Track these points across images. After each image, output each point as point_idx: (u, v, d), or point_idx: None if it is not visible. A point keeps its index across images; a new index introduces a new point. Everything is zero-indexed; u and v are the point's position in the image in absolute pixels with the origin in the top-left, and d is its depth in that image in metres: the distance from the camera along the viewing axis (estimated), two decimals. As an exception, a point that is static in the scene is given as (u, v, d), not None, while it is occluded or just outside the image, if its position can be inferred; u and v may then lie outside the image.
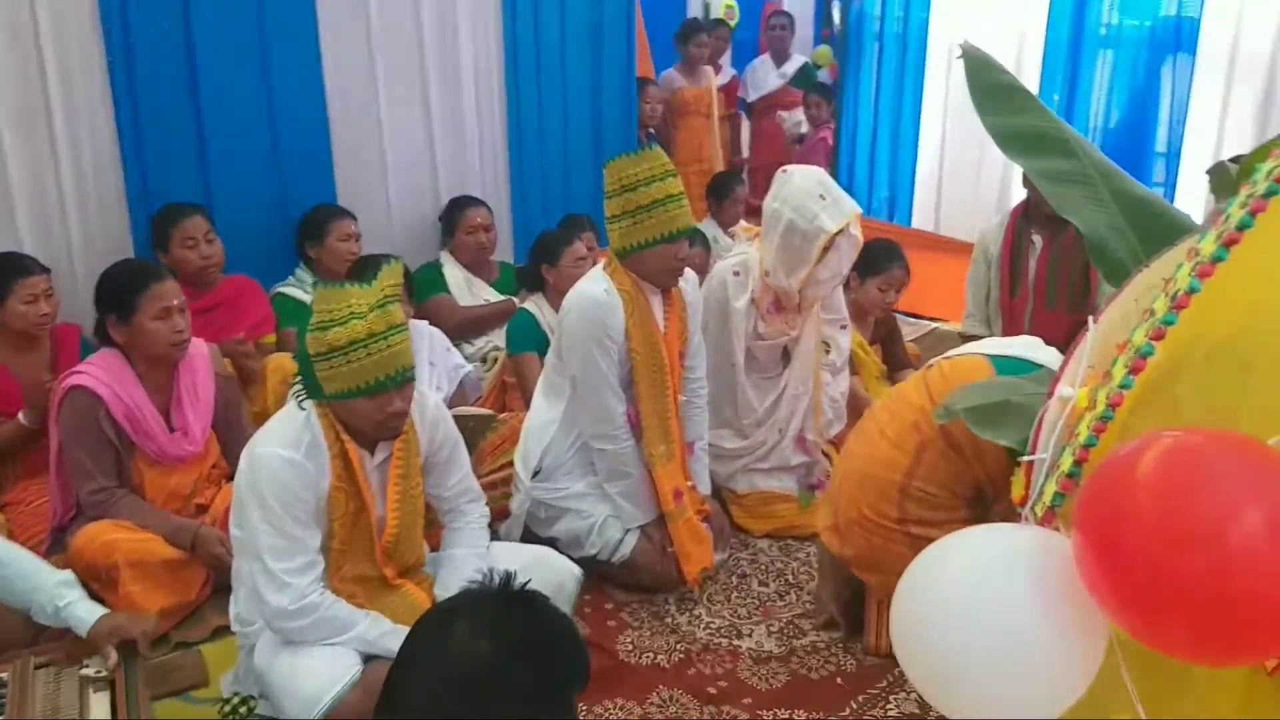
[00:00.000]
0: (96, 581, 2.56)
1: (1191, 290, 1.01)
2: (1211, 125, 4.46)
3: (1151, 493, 0.90)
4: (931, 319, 5.29)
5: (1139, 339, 1.05)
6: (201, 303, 3.33)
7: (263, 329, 3.59)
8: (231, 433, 3.00)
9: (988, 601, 1.02)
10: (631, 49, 4.92)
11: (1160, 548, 0.89)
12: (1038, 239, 3.52)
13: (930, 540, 2.32)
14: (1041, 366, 2.02)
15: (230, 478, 3.01)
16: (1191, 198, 4.66)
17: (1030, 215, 3.51)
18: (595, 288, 2.78)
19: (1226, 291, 1.00)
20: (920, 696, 2.29)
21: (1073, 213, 1.59)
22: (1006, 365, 2.17)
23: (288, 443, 2.17)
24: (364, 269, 2.96)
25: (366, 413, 2.17)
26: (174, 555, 2.68)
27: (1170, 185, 4.69)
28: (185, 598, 2.69)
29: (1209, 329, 1.01)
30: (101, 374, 2.72)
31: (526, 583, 1.26)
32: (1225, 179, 2.26)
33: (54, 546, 2.77)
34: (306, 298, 3.70)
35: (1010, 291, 3.55)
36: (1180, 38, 4.59)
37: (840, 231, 3.00)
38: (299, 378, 2.26)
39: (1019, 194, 5.23)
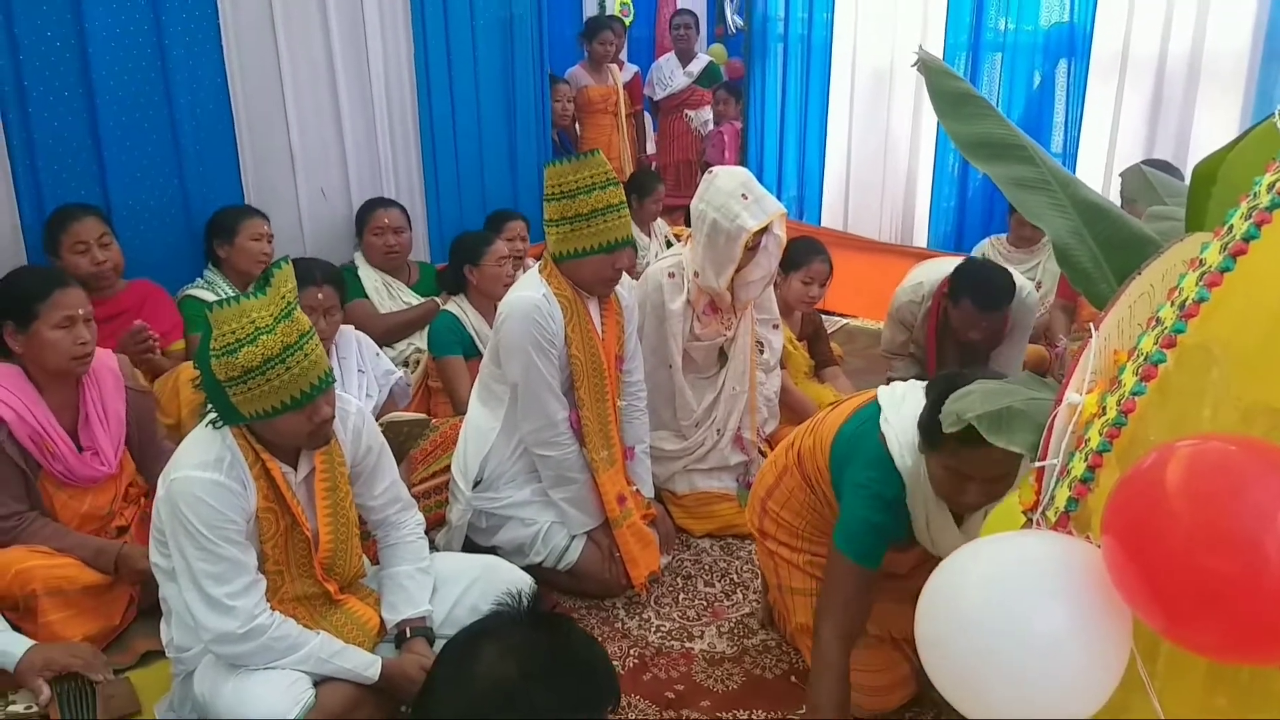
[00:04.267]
0: (13, 612, 2.39)
1: (1200, 299, 1.05)
2: (1105, 127, 4.66)
3: (1185, 498, 0.93)
4: (842, 315, 5.43)
5: (1148, 347, 1.09)
6: (101, 312, 3.11)
7: (171, 337, 3.42)
8: (146, 449, 2.85)
9: (1014, 608, 1.04)
10: (543, 45, 4.88)
11: (1195, 551, 0.92)
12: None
13: (784, 561, 2.42)
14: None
15: (149, 495, 2.87)
16: (1086, 196, 4.88)
17: (949, 323, 3.57)
18: (533, 293, 2.74)
19: (1235, 300, 1.04)
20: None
21: (1038, 219, 1.64)
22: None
23: (208, 465, 2.05)
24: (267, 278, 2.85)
25: (296, 426, 2.08)
26: (95, 580, 2.53)
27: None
28: (109, 623, 2.55)
29: (1218, 336, 1.05)
30: (1, 392, 2.54)
31: (554, 606, 1.23)
32: (1138, 182, 2.37)
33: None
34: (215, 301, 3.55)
35: (936, 366, 3.64)
36: (1074, 43, 4.79)
37: (764, 230, 3.03)
38: (207, 406, 2.14)
39: (924, 194, 5.42)
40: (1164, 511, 0.94)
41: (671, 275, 3.18)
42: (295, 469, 2.19)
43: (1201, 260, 1.08)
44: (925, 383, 2.15)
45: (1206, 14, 4.33)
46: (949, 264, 3.66)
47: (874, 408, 2.24)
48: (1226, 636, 0.93)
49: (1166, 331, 1.07)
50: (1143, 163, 3.02)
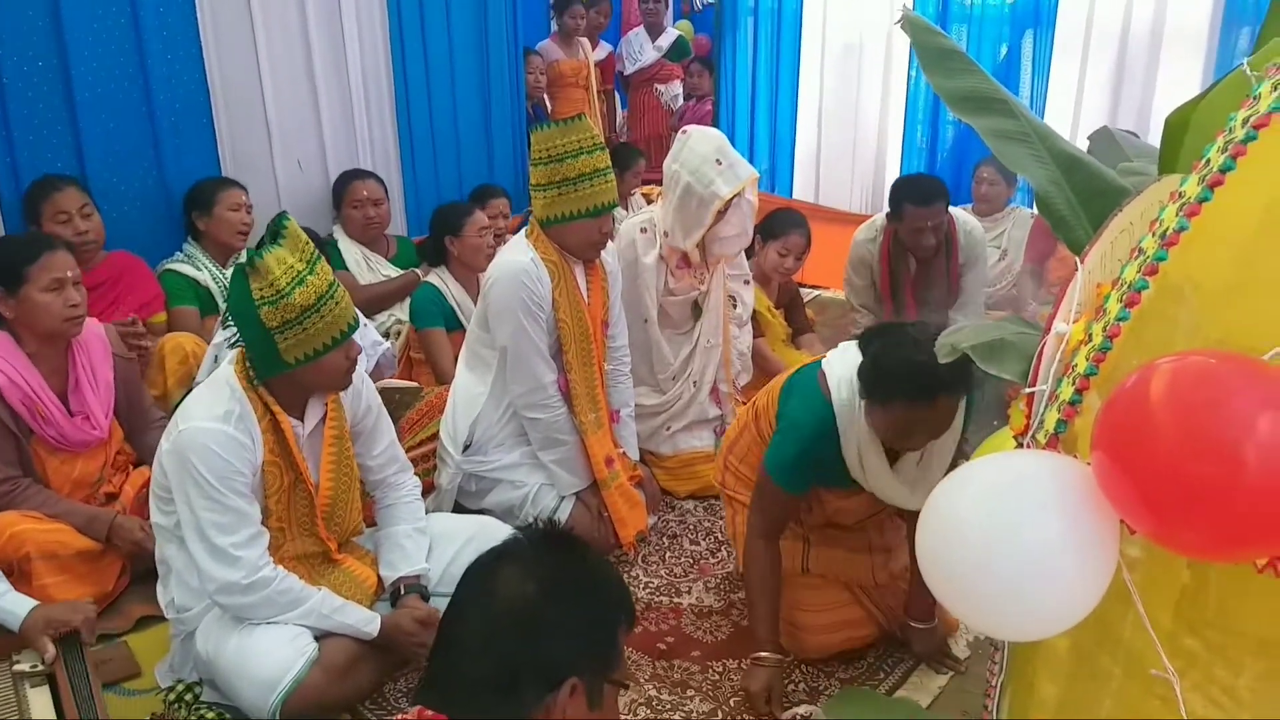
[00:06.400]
0: (8, 576, 2.40)
1: (1180, 229, 1.12)
2: (1070, 97, 4.76)
3: (1169, 409, 1.00)
4: (813, 286, 5.50)
5: (1131, 275, 1.15)
6: (82, 282, 3.14)
7: (152, 308, 3.43)
8: (135, 416, 2.87)
9: (1010, 520, 1.10)
10: (515, 18, 4.89)
11: (1181, 459, 0.98)
12: (912, 261, 3.77)
13: (742, 507, 2.53)
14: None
15: (136, 464, 2.89)
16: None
17: (900, 241, 3.74)
18: (521, 257, 2.77)
19: (1213, 228, 1.10)
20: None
21: (1021, 169, 1.70)
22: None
23: (216, 417, 2.11)
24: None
25: (336, 364, 2.16)
26: (88, 546, 2.55)
27: (1034, 154, 5.00)
28: (103, 589, 2.57)
29: (1198, 263, 1.11)
30: None
31: (571, 528, 1.29)
32: (1106, 143, 2.44)
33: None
34: (197, 274, 3.56)
35: (894, 309, 3.82)
36: (1039, 14, 4.88)
37: (736, 195, 3.10)
38: (247, 362, 2.17)
39: (893, 166, 5.50)
40: (1150, 423, 1.01)
41: (644, 230, 3.23)
42: (303, 422, 2.23)
43: (1181, 193, 1.15)
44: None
45: (1168, -15, 4.43)
46: None
47: (819, 362, 2.35)
48: (1211, 536, 1.00)
49: (1149, 260, 1.14)
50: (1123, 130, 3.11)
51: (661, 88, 6.75)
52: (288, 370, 2.11)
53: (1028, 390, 1.24)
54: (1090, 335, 1.18)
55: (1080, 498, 1.10)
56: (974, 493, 1.14)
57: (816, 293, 5.44)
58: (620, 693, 1.25)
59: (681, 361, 3.31)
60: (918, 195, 3.61)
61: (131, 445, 2.88)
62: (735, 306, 3.43)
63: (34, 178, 3.26)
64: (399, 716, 1.15)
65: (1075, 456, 1.16)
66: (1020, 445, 1.26)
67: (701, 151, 3.08)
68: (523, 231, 2.88)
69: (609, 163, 2.76)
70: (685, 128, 3.20)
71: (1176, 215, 1.13)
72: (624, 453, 3.04)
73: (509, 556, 1.20)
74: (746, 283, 3.50)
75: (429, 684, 1.19)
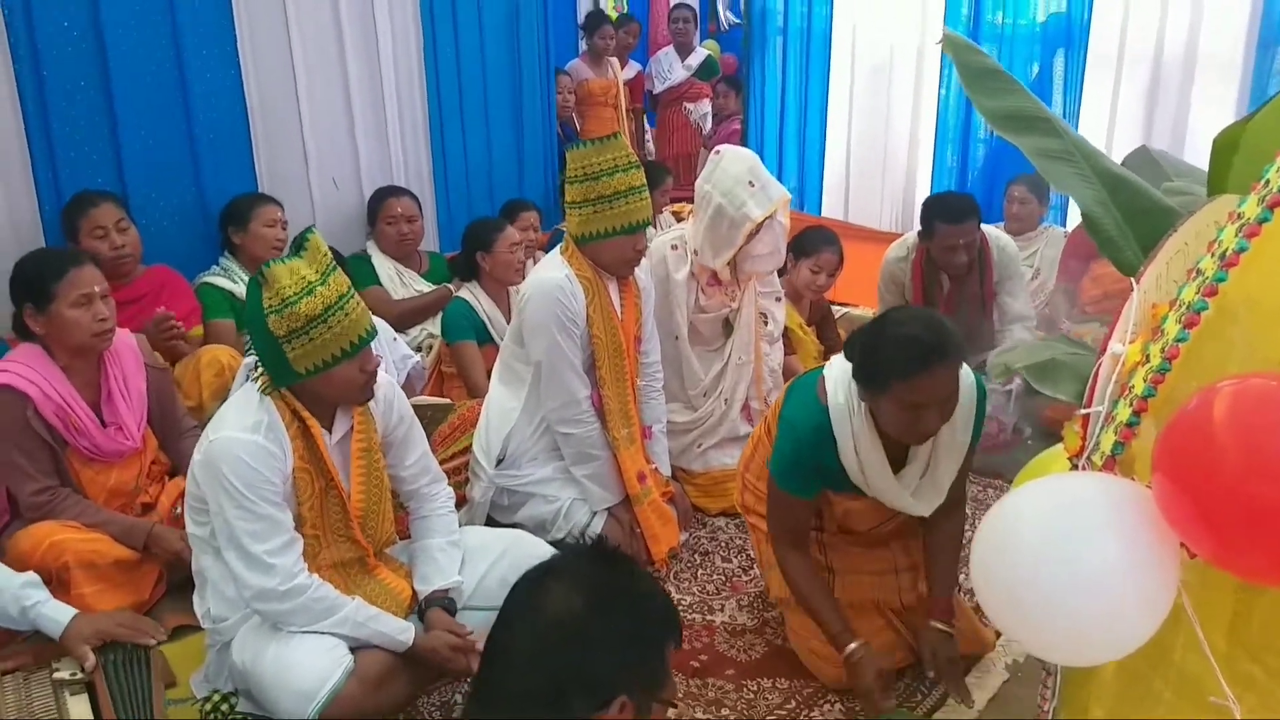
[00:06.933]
0: (46, 585, 2.42)
1: (1240, 250, 1.11)
2: (1102, 118, 4.75)
3: (1233, 432, 0.99)
4: (842, 304, 5.49)
5: (1190, 296, 1.15)
6: (119, 296, 3.14)
7: (190, 322, 3.45)
8: (168, 425, 2.89)
9: (1069, 543, 1.09)
10: (548, 39, 4.93)
11: (1245, 482, 0.97)
12: (945, 280, 3.77)
13: (762, 533, 2.49)
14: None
15: (172, 474, 2.92)
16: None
17: (932, 259, 3.74)
18: (556, 274, 2.79)
19: (1273, 249, 1.10)
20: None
21: (1066, 189, 1.70)
22: None
23: (246, 427, 2.13)
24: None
25: (349, 377, 2.16)
26: (125, 555, 2.57)
27: (1065, 174, 4.99)
28: (139, 598, 2.58)
29: (1258, 284, 1.11)
30: (25, 370, 2.57)
31: (618, 546, 1.29)
32: (1144, 162, 2.44)
33: (-12, 553, 2.61)
34: (234, 287, 3.59)
35: None
36: (1070, 34, 4.87)
37: (768, 217, 3.09)
38: (259, 371, 2.20)
39: (924, 185, 5.50)
40: (1213, 446, 1.00)
41: (675, 247, 3.23)
42: (330, 432, 2.25)
43: (1240, 214, 1.14)
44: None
45: (1202, 6, 4.42)
46: None
47: (821, 368, 2.34)
48: (1275, 559, 0.99)
49: (1208, 281, 1.13)
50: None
51: (690, 106, 6.78)
52: (299, 380, 2.13)
53: (1083, 411, 1.23)
54: (1148, 356, 1.17)
55: (1140, 520, 1.09)
56: (1031, 514, 1.14)
57: (845, 310, 5.42)
58: (667, 712, 1.25)
59: (713, 378, 3.31)
60: (949, 213, 3.60)
61: (166, 454, 2.90)
62: (767, 323, 3.42)
63: (75, 193, 3.31)
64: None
65: (1133, 479, 1.15)
66: (1075, 467, 1.25)
67: (734, 172, 3.08)
68: (557, 248, 2.89)
69: (644, 180, 2.78)
70: (718, 147, 3.21)
71: (1236, 236, 1.12)
72: (656, 468, 3.03)
73: (558, 572, 1.20)
74: (778, 300, 3.49)
75: (477, 697, 1.19)
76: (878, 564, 2.48)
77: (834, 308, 5.19)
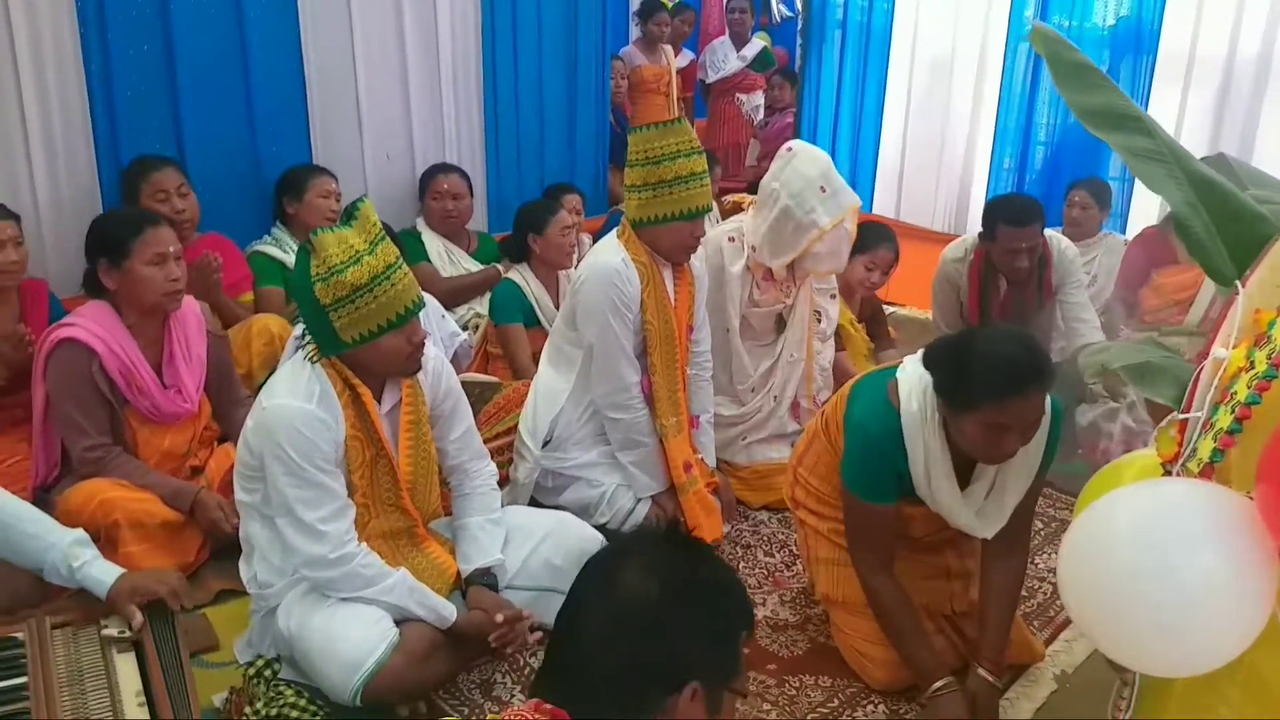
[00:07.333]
0: (95, 541, 2.44)
1: (1359, 256, 1.07)
2: (1169, 124, 4.64)
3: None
4: (890, 303, 5.42)
5: (1302, 301, 1.10)
6: (184, 258, 3.21)
7: (240, 288, 3.50)
8: (224, 393, 2.92)
9: (1167, 551, 1.05)
10: (606, 24, 4.90)
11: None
12: (1003, 283, 3.69)
13: (812, 530, 2.43)
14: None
15: (221, 440, 2.93)
16: (1147, 193, 4.88)
17: (991, 262, 3.66)
18: (613, 258, 2.76)
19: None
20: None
21: (1159, 189, 1.65)
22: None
23: (299, 395, 2.13)
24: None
25: (396, 347, 2.16)
26: (172, 517, 2.60)
27: (1128, 179, 4.89)
28: (184, 560, 2.61)
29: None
30: (94, 326, 2.61)
31: (694, 529, 1.27)
32: (1223, 169, 2.36)
33: (36, 507, 2.63)
34: (285, 256, 3.60)
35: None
36: (1139, 39, 4.77)
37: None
38: (306, 340, 2.20)
39: (979, 186, 5.41)
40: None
41: (731, 239, 3.18)
42: (380, 402, 2.24)
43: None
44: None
45: (1276, 11, 4.30)
46: None
47: (894, 367, 2.27)
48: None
49: (1323, 287, 1.09)
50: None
51: (744, 97, 6.72)
52: (345, 349, 2.13)
53: (1181, 416, 1.19)
54: (1252, 362, 1.13)
55: (1240, 530, 1.05)
56: (1127, 521, 1.09)
57: (893, 309, 5.36)
58: (736, 703, 1.22)
59: (761, 375, 3.26)
60: (1014, 216, 3.52)
61: (218, 422, 2.92)
62: (820, 321, 3.37)
63: (134, 154, 3.34)
64: (513, 710, 1.13)
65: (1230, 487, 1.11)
66: (1169, 473, 1.21)
67: (806, 174, 3.01)
68: (613, 231, 2.87)
69: (705, 167, 2.74)
70: (789, 144, 3.13)
71: (1355, 241, 1.08)
72: (702, 459, 3.00)
73: (632, 554, 1.18)
74: (832, 297, 3.44)
75: (546, 677, 1.17)
76: (929, 569, 2.43)
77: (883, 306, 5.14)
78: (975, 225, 5.37)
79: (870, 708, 2.34)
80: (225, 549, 2.63)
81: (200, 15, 3.47)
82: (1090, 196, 4.35)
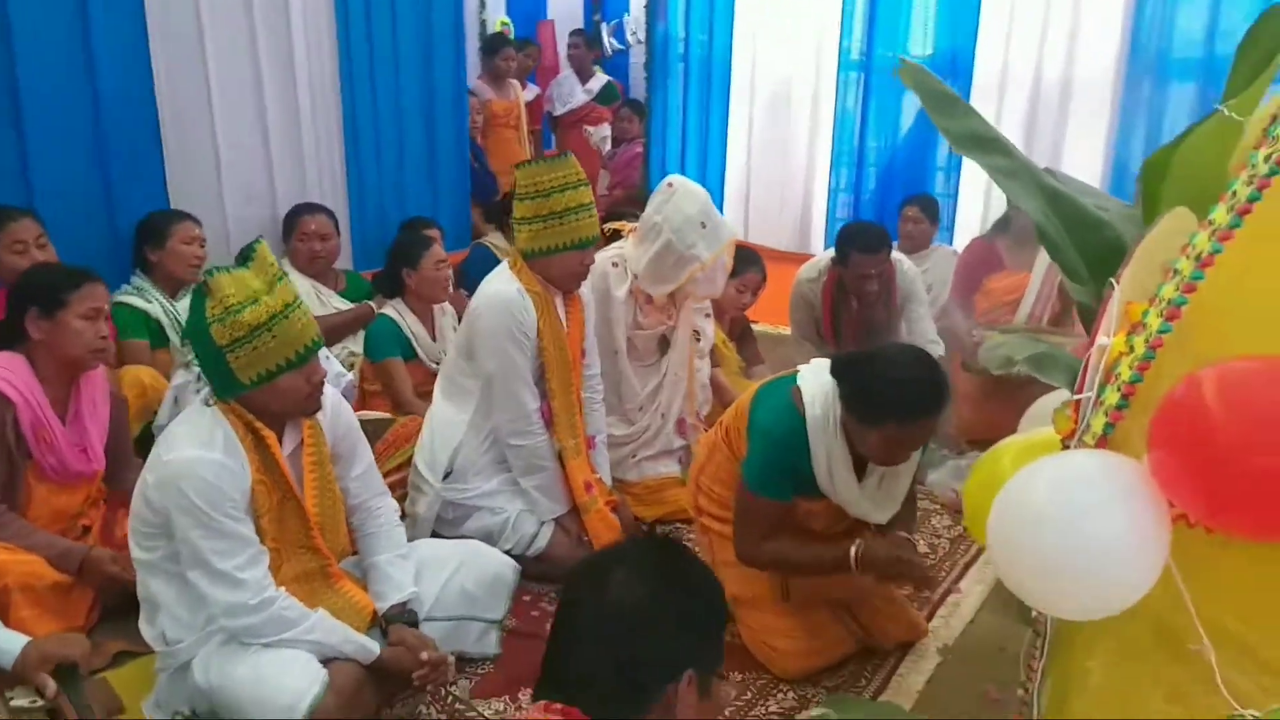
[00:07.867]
0: (-16, 609, 2.32)
1: (1215, 251, 1.27)
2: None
3: (1223, 409, 1.13)
4: (752, 321, 5.66)
5: (1169, 293, 1.29)
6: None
7: (105, 340, 3.35)
8: (119, 455, 2.83)
9: (1076, 511, 1.22)
10: (461, 59, 4.96)
11: (1234, 454, 1.12)
12: (854, 301, 3.94)
13: (716, 534, 2.62)
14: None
15: (108, 500, 2.82)
16: (971, 207, 5.34)
17: (843, 283, 3.91)
18: (508, 288, 2.84)
19: (1242, 252, 1.26)
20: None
21: (1020, 201, 1.86)
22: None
23: (201, 444, 2.09)
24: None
25: (295, 387, 2.14)
26: (61, 579, 2.48)
27: (952, 195, 5.33)
28: (73, 623, 2.49)
29: (1230, 282, 1.26)
30: (10, 375, 2.51)
31: (668, 533, 1.35)
32: (1157, 171, 2.65)
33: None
34: (148, 306, 3.50)
35: (836, 345, 3.98)
36: (956, 66, 5.21)
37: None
38: (201, 383, 2.18)
39: (820, 205, 5.74)
40: (1207, 422, 1.14)
41: (615, 265, 3.31)
42: (281, 444, 2.22)
43: (1211, 221, 1.30)
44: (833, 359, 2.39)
45: (1076, 39, 4.79)
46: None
47: (792, 376, 2.47)
48: (1262, 522, 1.14)
49: (1185, 279, 1.28)
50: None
51: (591, 129, 6.89)
52: (244, 390, 2.11)
53: (1074, 397, 1.37)
54: (1132, 346, 1.32)
55: (1136, 490, 1.23)
56: (1044, 486, 1.26)
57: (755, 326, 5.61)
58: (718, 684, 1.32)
59: (649, 393, 3.39)
60: (866, 244, 3.74)
61: (108, 483, 2.82)
62: (698, 340, 3.53)
63: (-21, 209, 3.18)
64: (522, 714, 1.19)
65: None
66: (1067, 447, 1.39)
67: (687, 211, 3.15)
68: (504, 263, 2.94)
69: (592, 198, 2.85)
70: (669, 179, 3.27)
71: (1209, 240, 1.28)
72: (600, 478, 3.09)
73: (620, 559, 1.26)
74: (707, 316, 3.61)
75: (549, 681, 1.23)
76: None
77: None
78: (819, 243, 5.73)
79: (780, 696, 2.48)
80: (116, 610, 2.54)
81: (47, 60, 3.35)
82: (922, 211, 4.69)
